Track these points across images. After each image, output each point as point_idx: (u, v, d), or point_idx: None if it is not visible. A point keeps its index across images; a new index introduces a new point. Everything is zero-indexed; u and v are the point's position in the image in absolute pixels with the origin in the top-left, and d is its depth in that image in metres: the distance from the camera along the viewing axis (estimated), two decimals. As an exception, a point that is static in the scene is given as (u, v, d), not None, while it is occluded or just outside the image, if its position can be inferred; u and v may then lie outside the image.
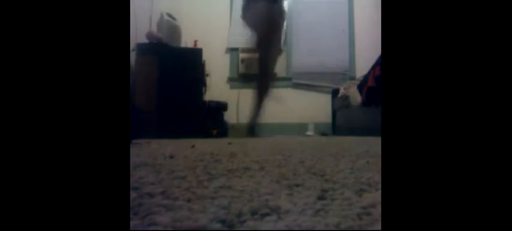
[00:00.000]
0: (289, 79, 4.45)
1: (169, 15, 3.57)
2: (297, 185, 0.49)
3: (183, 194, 0.43)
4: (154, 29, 3.51)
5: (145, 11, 3.74)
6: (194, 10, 4.53)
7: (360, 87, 3.15)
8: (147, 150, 1.21)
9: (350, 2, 4.64)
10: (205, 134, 3.22)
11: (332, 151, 1.13)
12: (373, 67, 2.99)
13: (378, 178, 0.55)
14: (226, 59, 4.61)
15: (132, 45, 3.19)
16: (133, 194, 0.42)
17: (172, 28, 3.54)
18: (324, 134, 3.92)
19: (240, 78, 4.49)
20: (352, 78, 4.23)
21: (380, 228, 0.30)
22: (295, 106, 4.36)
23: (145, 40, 3.30)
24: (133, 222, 0.31)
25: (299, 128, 4.14)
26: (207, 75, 3.94)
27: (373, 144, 1.40)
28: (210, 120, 3.54)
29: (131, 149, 1.20)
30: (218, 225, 0.30)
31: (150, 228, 0.30)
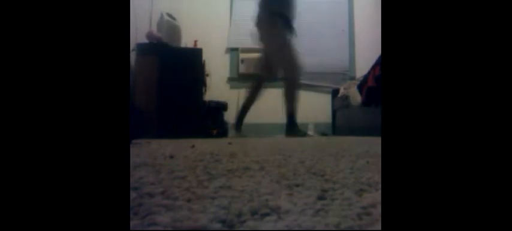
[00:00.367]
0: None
1: (169, 15, 3.57)
2: (297, 185, 0.49)
3: (183, 194, 0.43)
4: (154, 29, 3.51)
5: (145, 11, 3.74)
6: (194, 10, 4.53)
7: (360, 87, 3.15)
8: (147, 150, 1.21)
9: (350, 2, 4.64)
10: (205, 134, 3.22)
11: (332, 151, 1.13)
12: (373, 67, 2.99)
13: (378, 178, 0.55)
14: (226, 59, 4.61)
15: (132, 45, 3.19)
16: (133, 194, 0.42)
17: (172, 28, 3.54)
18: (324, 134, 3.92)
19: (240, 78, 4.49)
20: (352, 78, 4.23)
21: (380, 228, 0.30)
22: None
23: (145, 41, 3.30)
24: (133, 222, 0.31)
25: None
26: (207, 75, 3.94)
27: (373, 144, 1.40)
28: (210, 120, 3.54)
29: (131, 149, 1.20)
30: (218, 225, 0.30)
31: (150, 228, 0.30)
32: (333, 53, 4.54)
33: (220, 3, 4.67)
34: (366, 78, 3.13)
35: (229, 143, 1.64)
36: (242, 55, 4.45)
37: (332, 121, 4.10)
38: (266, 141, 2.04)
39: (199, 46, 3.75)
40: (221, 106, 3.76)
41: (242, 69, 4.45)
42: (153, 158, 0.87)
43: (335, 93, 4.02)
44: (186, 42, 3.82)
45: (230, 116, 4.08)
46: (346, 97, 3.48)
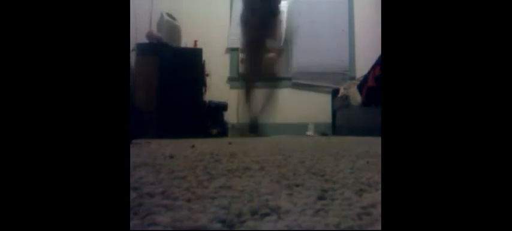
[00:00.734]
0: (289, 79, 4.45)
1: (169, 15, 3.57)
2: (297, 185, 0.49)
3: (183, 194, 0.43)
4: (154, 29, 3.50)
5: (145, 11, 3.74)
6: (194, 10, 4.52)
7: (360, 87, 3.15)
8: (147, 150, 1.21)
9: (350, 2, 4.64)
10: (205, 134, 3.22)
11: (332, 151, 1.13)
12: (373, 67, 2.99)
13: (378, 178, 0.55)
14: (226, 59, 4.61)
15: (132, 45, 3.18)
16: (133, 194, 0.42)
17: (172, 28, 3.54)
18: (324, 134, 3.92)
19: (240, 78, 4.49)
20: (352, 78, 4.23)
21: (380, 228, 0.30)
22: (295, 106, 4.36)
23: (145, 41, 3.30)
24: (133, 222, 0.31)
25: (299, 128, 4.14)
26: (207, 75, 3.93)
27: (373, 144, 1.40)
28: (210, 120, 3.54)
29: (131, 149, 1.20)
30: (218, 225, 0.30)
31: (150, 228, 0.30)
32: (333, 53, 4.54)
33: (220, 3, 4.67)
34: (366, 78, 3.13)
35: (229, 143, 1.64)
36: (242, 55, 4.44)
37: (332, 121, 4.10)
38: (266, 141, 2.04)
39: (199, 46, 3.75)
40: (221, 106, 3.76)
41: (242, 69, 4.45)
42: (153, 158, 0.87)
43: (335, 93, 4.01)
44: (186, 42, 3.82)
45: (230, 116, 4.08)
46: (346, 97, 3.48)
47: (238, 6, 4.49)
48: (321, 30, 4.57)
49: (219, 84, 4.38)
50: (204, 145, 1.50)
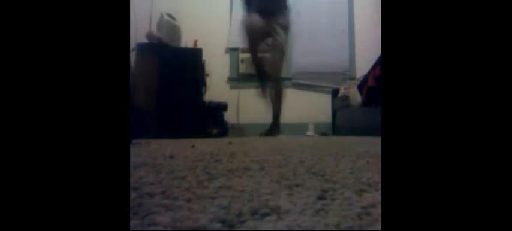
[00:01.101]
0: (289, 79, 4.45)
1: (169, 15, 3.57)
2: (297, 185, 0.49)
3: (183, 194, 0.43)
4: (154, 29, 3.50)
5: (145, 11, 3.74)
6: (194, 10, 4.52)
7: (360, 87, 3.15)
8: (147, 150, 1.21)
9: (350, 2, 4.64)
10: (205, 134, 3.22)
11: (332, 151, 1.13)
12: (373, 67, 2.99)
13: (378, 178, 0.55)
14: (226, 59, 4.61)
15: (132, 45, 3.18)
16: (133, 194, 0.42)
17: (172, 28, 3.54)
18: (324, 134, 3.92)
19: (240, 78, 4.49)
20: (352, 78, 4.23)
21: (380, 228, 0.30)
22: (295, 106, 4.36)
23: (145, 41, 3.29)
24: (133, 222, 0.31)
25: (299, 128, 4.14)
26: (207, 75, 3.93)
27: (373, 144, 1.40)
28: (210, 120, 3.54)
29: (131, 149, 1.20)
30: (218, 225, 0.30)
31: (150, 228, 0.30)
32: (333, 53, 4.54)
33: (220, 3, 4.67)
34: (366, 78, 3.13)
35: (229, 143, 1.64)
36: (242, 55, 4.44)
37: (332, 121, 4.10)
38: (266, 141, 2.04)
39: (199, 46, 3.75)
40: (221, 106, 3.76)
41: (242, 69, 4.45)
42: (153, 158, 0.87)
43: (335, 93, 4.01)
44: (186, 42, 3.82)
45: (230, 116, 4.08)
46: (346, 97, 3.48)
47: (239, 6, 4.51)
48: (321, 30, 4.57)
49: (219, 84, 4.38)
50: (204, 145, 1.50)
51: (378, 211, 0.35)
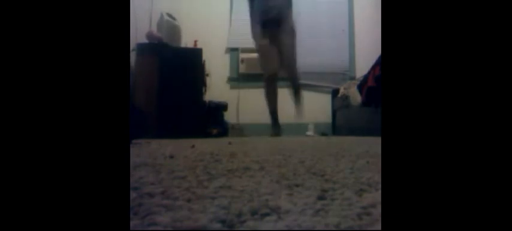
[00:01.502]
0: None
1: (169, 15, 3.57)
2: (297, 185, 0.49)
3: (183, 194, 0.43)
4: (154, 29, 3.50)
5: (145, 11, 3.74)
6: (194, 10, 4.52)
7: (360, 87, 3.15)
8: (147, 150, 1.21)
9: (350, 2, 4.64)
10: (205, 134, 3.22)
11: (332, 151, 1.13)
12: (373, 67, 2.99)
13: (378, 178, 0.55)
14: (226, 59, 4.61)
15: (132, 45, 3.18)
16: (133, 194, 0.42)
17: (172, 28, 3.54)
18: (323, 134, 3.92)
19: (240, 78, 4.49)
20: (352, 78, 4.23)
21: (380, 228, 0.30)
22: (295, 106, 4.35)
23: (145, 41, 3.29)
24: (133, 222, 0.31)
25: (299, 128, 4.14)
26: (207, 75, 3.93)
27: (373, 144, 1.40)
28: (210, 120, 3.54)
29: (131, 149, 1.20)
30: (218, 225, 0.30)
31: (150, 228, 0.30)
32: (333, 53, 4.54)
33: (220, 3, 4.67)
34: (366, 78, 3.13)
35: (229, 143, 1.64)
36: (242, 55, 4.44)
37: (332, 121, 4.10)
38: (266, 141, 2.04)
39: (199, 46, 3.75)
40: (221, 106, 3.76)
41: (242, 69, 4.45)
42: (153, 158, 0.87)
43: (335, 93, 4.01)
44: (186, 42, 3.82)
45: (230, 116, 4.08)
46: (346, 97, 3.48)
47: (239, 6, 4.50)
48: (321, 30, 4.57)
49: (219, 84, 4.38)
50: (204, 145, 1.50)
51: (378, 211, 0.35)
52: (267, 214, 0.34)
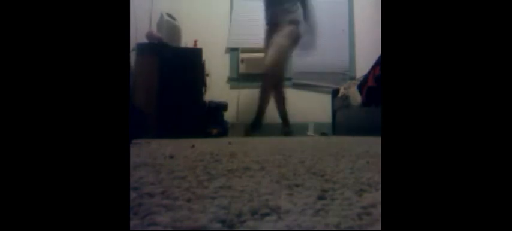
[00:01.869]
0: (289, 79, 4.45)
1: (169, 15, 3.57)
2: (297, 185, 0.49)
3: (183, 194, 0.43)
4: (154, 29, 3.50)
5: (145, 11, 3.73)
6: (194, 10, 4.52)
7: (360, 87, 3.15)
8: (147, 150, 1.21)
9: (350, 2, 4.64)
10: (205, 134, 3.22)
11: (332, 151, 1.13)
12: (373, 67, 2.99)
13: (378, 178, 0.55)
14: (226, 59, 4.61)
15: (132, 45, 3.18)
16: (133, 194, 0.42)
17: (172, 28, 3.54)
18: (323, 134, 3.92)
19: (240, 78, 4.49)
20: (352, 78, 4.23)
21: (380, 228, 0.30)
22: (295, 106, 4.37)
23: (145, 41, 3.29)
24: (133, 222, 0.31)
25: (299, 128, 4.14)
26: (207, 75, 3.93)
27: (373, 144, 1.40)
28: (210, 120, 3.54)
29: (131, 149, 1.20)
30: (218, 225, 0.30)
31: (150, 228, 0.30)
32: (333, 53, 4.54)
33: (220, 3, 4.67)
34: (366, 78, 3.13)
35: (229, 143, 1.64)
36: (242, 55, 4.44)
37: (332, 121, 4.10)
38: (266, 141, 2.04)
39: (199, 46, 3.75)
40: (221, 106, 3.76)
41: (242, 69, 4.45)
42: (153, 158, 0.87)
43: (335, 93, 4.01)
44: (186, 42, 3.81)
45: (230, 116, 4.08)
46: (346, 97, 3.48)
47: (239, 6, 4.50)
48: (321, 30, 4.57)
49: (219, 84, 4.38)
50: (204, 145, 1.50)
51: (378, 211, 0.35)
52: (267, 214, 0.34)
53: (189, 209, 0.36)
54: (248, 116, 4.21)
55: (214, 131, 3.46)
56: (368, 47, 4.13)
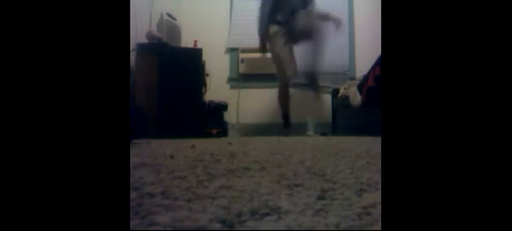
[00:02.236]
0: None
1: (169, 15, 3.57)
2: (297, 185, 0.49)
3: (183, 194, 0.43)
4: (154, 29, 3.50)
5: (145, 11, 3.73)
6: (194, 10, 4.52)
7: (360, 87, 3.15)
8: (147, 150, 1.21)
9: (350, 2, 4.64)
10: (205, 134, 3.22)
11: (332, 151, 1.13)
12: (373, 67, 2.99)
13: (378, 178, 0.55)
14: (226, 59, 4.61)
15: (132, 45, 3.18)
16: (133, 194, 0.42)
17: (172, 28, 3.54)
18: (323, 134, 3.92)
19: (240, 78, 4.48)
20: (352, 78, 4.23)
21: (380, 228, 0.30)
22: (295, 106, 4.36)
23: (145, 41, 3.29)
24: (134, 222, 0.31)
25: (299, 128, 4.14)
26: (207, 75, 3.93)
27: (373, 144, 1.40)
28: (210, 120, 3.54)
29: (131, 149, 1.20)
30: (218, 225, 0.30)
31: (150, 228, 0.30)
32: (333, 53, 4.53)
33: (220, 3, 4.67)
34: (366, 78, 3.13)
35: (229, 143, 1.64)
36: (242, 55, 4.44)
37: (332, 121, 4.10)
38: (266, 141, 2.03)
39: (199, 46, 3.75)
40: (221, 106, 3.76)
41: (242, 69, 4.45)
42: (153, 158, 0.87)
43: (335, 93, 4.01)
44: (186, 42, 3.81)
45: (230, 116, 4.08)
46: (346, 97, 3.48)
47: (239, 7, 4.49)
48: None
49: (219, 84, 4.37)
50: (204, 145, 1.50)
51: (378, 211, 0.35)
52: (267, 214, 0.34)
53: (189, 209, 0.36)
54: (248, 117, 4.21)
55: (214, 131, 3.46)
56: (368, 47, 4.12)
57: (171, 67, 3.18)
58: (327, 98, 4.25)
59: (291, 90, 4.10)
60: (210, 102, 3.67)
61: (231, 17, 4.61)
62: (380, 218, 0.32)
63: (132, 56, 3.18)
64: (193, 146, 1.42)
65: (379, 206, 0.36)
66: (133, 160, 0.83)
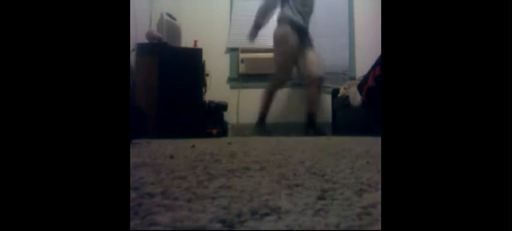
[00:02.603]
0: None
1: (169, 15, 3.57)
2: (297, 185, 0.49)
3: (183, 194, 0.43)
4: (154, 29, 3.50)
5: (145, 11, 3.73)
6: (194, 10, 4.52)
7: (360, 87, 3.15)
8: (147, 150, 1.21)
9: (350, 2, 4.64)
10: (205, 134, 3.23)
11: (332, 151, 1.13)
12: (373, 67, 2.99)
13: (378, 178, 0.55)
14: (226, 59, 4.61)
15: (132, 45, 3.18)
16: (133, 194, 0.42)
17: (172, 28, 3.54)
18: (323, 134, 3.92)
19: (240, 78, 4.48)
20: (352, 78, 4.23)
21: (380, 228, 0.30)
22: (295, 106, 4.36)
23: (145, 41, 3.30)
24: (133, 222, 0.31)
25: (299, 128, 4.14)
26: (207, 75, 3.93)
27: (373, 144, 1.40)
28: (210, 120, 3.54)
29: (131, 149, 1.20)
30: (218, 225, 0.30)
31: (150, 228, 0.30)
32: (333, 53, 4.54)
33: (220, 3, 4.67)
34: (366, 78, 3.13)
35: (229, 143, 1.64)
36: (242, 55, 4.44)
37: (332, 121, 4.10)
38: (266, 141, 2.03)
39: (199, 46, 3.75)
40: (221, 106, 3.76)
41: (242, 69, 4.45)
42: (153, 158, 0.87)
43: (335, 93, 4.01)
44: (186, 42, 3.81)
45: (230, 116, 4.08)
46: (346, 97, 3.48)
47: (239, 6, 4.50)
48: (321, 30, 4.57)
49: (219, 84, 4.37)
50: (204, 145, 1.50)
51: (378, 211, 0.35)
52: (267, 214, 0.34)
53: (189, 209, 0.36)
54: (248, 117, 4.21)
55: (214, 131, 3.47)
56: (368, 47, 4.13)
57: (171, 67, 3.18)
58: (327, 98, 4.25)
59: (291, 90, 4.10)
60: (210, 102, 3.67)
61: (231, 17, 4.61)
62: (380, 218, 0.32)
63: (132, 56, 3.18)
64: (193, 146, 1.42)
65: (379, 206, 0.36)
66: (133, 160, 0.83)
